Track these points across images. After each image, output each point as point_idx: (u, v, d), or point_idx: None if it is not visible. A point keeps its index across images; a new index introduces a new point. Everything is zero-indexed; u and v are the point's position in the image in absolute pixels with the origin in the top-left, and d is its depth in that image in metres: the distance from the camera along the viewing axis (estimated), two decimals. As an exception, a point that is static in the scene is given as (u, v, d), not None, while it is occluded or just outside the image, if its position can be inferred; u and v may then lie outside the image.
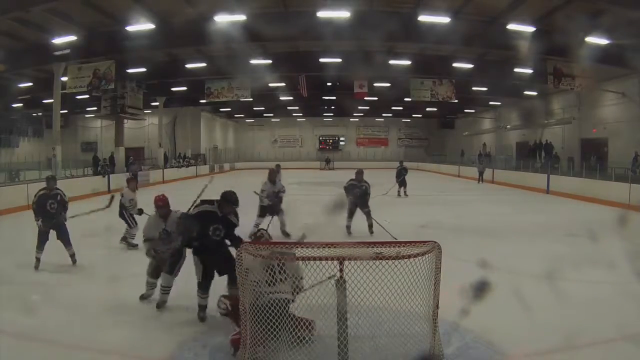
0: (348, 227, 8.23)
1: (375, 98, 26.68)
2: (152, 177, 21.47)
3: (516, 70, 17.65)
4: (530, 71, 17.47)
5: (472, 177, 24.66)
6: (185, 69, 18.96)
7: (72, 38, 14.45)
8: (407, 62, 18.11)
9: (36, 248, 6.03)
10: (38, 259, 6.01)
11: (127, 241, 7.48)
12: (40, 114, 27.68)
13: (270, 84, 22.25)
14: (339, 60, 17.63)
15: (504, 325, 4.04)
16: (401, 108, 33.95)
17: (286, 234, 7.77)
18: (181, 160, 28.39)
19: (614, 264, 5.46)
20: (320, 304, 3.24)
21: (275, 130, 44.06)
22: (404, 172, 15.68)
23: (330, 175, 29.34)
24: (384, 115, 39.92)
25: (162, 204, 4.82)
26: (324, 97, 27.88)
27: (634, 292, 4.84)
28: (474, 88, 23.13)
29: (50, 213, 6.04)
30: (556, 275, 5.17)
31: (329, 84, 22.82)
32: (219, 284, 4.34)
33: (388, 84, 22.35)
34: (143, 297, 4.84)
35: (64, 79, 16.91)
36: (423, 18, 13.33)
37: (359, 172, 8.45)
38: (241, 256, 3.22)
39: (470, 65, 18.47)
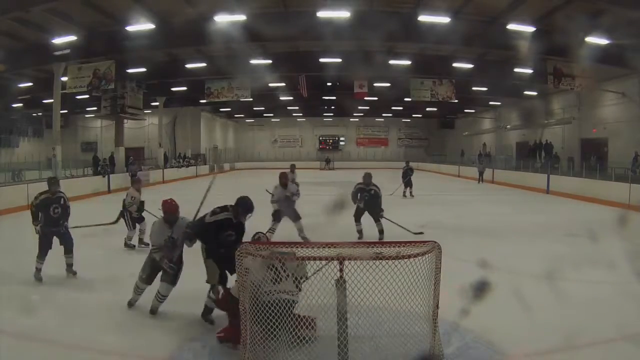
0: (360, 232, 7.91)
1: (375, 98, 26.67)
2: (152, 177, 21.48)
3: (516, 70, 17.65)
4: (530, 71, 17.48)
5: (472, 177, 24.66)
6: (185, 69, 18.96)
7: (72, 38, 14.46)
8: (407, 62, 18.10)
9: (37, 257, 5.47)
10: (39, 270, 5.47)
11: (125, 242, 7.43)
12: (40, 114, 27.69)
13: (270, 84, 22.25)
14: (339, 60, 17.63)
15: (504, 325, 4.04)
16: (401, 108, 33.95)
17: (306, 240, 7.17)
18: (181, 160, 28.38)
19: (614, 264, 5.46)
20: (320, 304, 3.24)
21: (275, 130, 44.07)
22: (410, 172, 15.56)
23: (330, 175, 29.36)
24: (384, 115, 39.92)
25: (171, 210, 4.57)
26: (324, 97, 27.88)
27: (634, 292, 4.84)
28: (474, 88, 23.13)
29: (53, 219, 5.55)
30: (556, 275, 5.17)
31: (329, 84, 22.81)
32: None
33: (388, 84, 22.35)
34: (131, 304, 4.64)
35: (64, 79, 16.91)
36: (423, 18, 13.33)
37: (367, 176, 7.97)
38: (241, 257, 3.22)
39: (470, 65, 18.47)
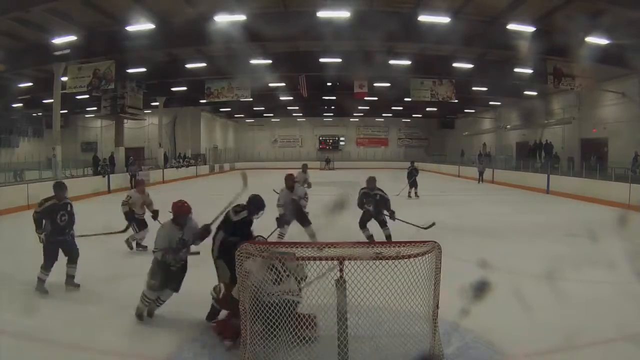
0: (370, 237, 7.47)
1: (375, 98, 26.66)
2: (152, 177, 21.49)
3: (516, 70, 17.65)
4: (530, 71, 17.47)
5: (472, 177, 24.66)
6: (185, 69, 18.96)
7: (72, 38, 14.45)
8: (407, 62, 18.10)
9: (41, 268, 5.06)
10: (42, 281, 5.08)
11: (128, 241, 7.32)
12: (40, 114, 27.68)
13: (270, 84, 22.25)
14: (339, 60, 17.63)
15: (504, 325, 4.04)
16: (401, 108, 33.94)
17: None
18: (181, 160, 28.38)
19: (614, 264, 5.47)
20: (320, 304, 3.24)
21: (275, 130, 44.06)
22: (415, 172, 15.44)
23: (331, 175, 29.34)
24: (384, 115, 39.92)
25: (183, 212, 4.38)
26: (324, 97, 27.88)
27: (634, 292, 4.84)
28: (474, 88, 23.13)
29: (60, 227, 5.16)
30: (556, 275, 5.17)
31: (329, 84, 22.81)
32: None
33: (388, 84, 22.34)
34: (141, 316, 4.37)
35: (64, 79, 16.91)
36: (423, 18, 13.33)
37: (371, 180, 7.51)
38: (241, 257, 3.22)
39: (470, 65, 18.47)
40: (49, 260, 5.08)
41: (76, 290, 5.23)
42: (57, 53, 14.99)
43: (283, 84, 22.82)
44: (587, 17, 12.45)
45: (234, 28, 12.89)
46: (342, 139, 43.96)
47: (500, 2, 13.16)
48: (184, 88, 23.30)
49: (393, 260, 3.00)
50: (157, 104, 26.16)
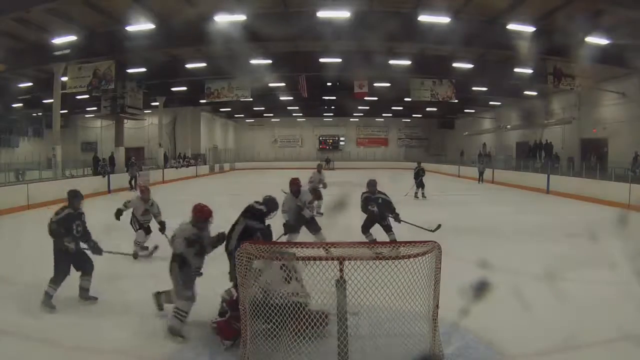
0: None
1: (375, 98, 26.66)
2: (152, 177, 21.50)
3: (516, 70, 17.64)
4: (530, 71, 17.47)
5: (472, 177, 24.65)
6: (185, 69, 18.96)
7: (72, 38, 14.47)
8: (407, 62, 18.10)
9: (50, 282, 4.65)
10: (50, 295, 4.62)
11: (135, 253, 6.81)
12: (40, 114, 27.67)
13: (270, 84, 22.26)
14: (339, 60, 17.64)
15: (504, 325, 4.04)
16: (401, 108, 33.94)
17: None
18: (181, 160, 28.37)
19: (614, 264, 5.47)
20: (320, 304, 3.24)
21: (275, 130, 44.06)
22: (422, 172, 15.31)
23: (331, 175, 29.30)
24: (384, 115, 39.91)
25: (205, 216, 4.25)
26: (324, 97, 27.89)
27: (634, 292, 4.84)
28: (474, 88, 23.13)
29: (75, 238, 4.84)
30: (556, 275, 5.18)
31: (329, 84, 22.82)
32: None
33: (388, 84, 22.35)
34: (182, 336, 3.98)
35: (64, 79, 16.92)
36: (423, 18, 13.33)
37: (371, 183, 7.22)
38: (241, 257, 3.22)
39: (470, 65, 18.47)
40: (61, 275, 4.68)
41: (93, 303, 4.86)
42: (57, 53, 15.00)
43: (283, 84, 22.82)
44: (587, 17, 12.45)
45: (234, 28, 12.90)
46: (342, 139, 43.96)
47: (500, 2, 13.16)
48: (184, 88, 23.31)
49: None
50: (157, 104, 26.15)
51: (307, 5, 13.20)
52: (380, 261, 3.06)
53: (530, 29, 13.58)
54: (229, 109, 34.28)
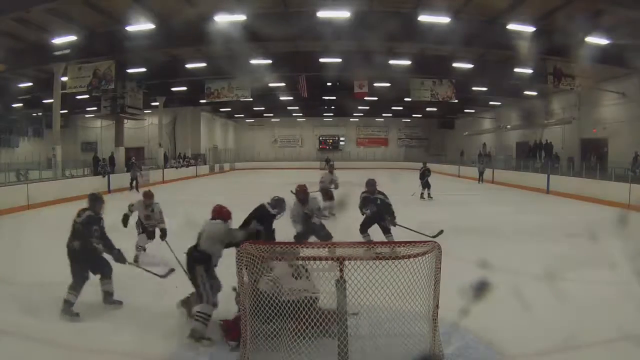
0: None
1: (375, 98, 26.66)
2: (152, 177, 21.51)
3: (516, 70, 17.65)
4: (530, 71, 17.47)
5: (472, 177, 24.65)
6: (185, 69, 18.96)
7: (72, 38, 14.47)
8: (407, 62, 18.10)
9: (69, 288, 4.45)
10: (70, 303, 4.41)
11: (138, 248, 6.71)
12: (40, 114, 27.68)
13: (270, 84, 22.26)
14: (339, 60, 17.64)
15: (504, 325, 4.04)
16: (401, 108, 33.95)
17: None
18: (181, 160, 28.38)
19: (614, 264, 5.46)
20: (320, 304, 3.25)
21: (275, 130, 44.06)
22: (427, 173, 15.18)
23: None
24: (384, 115, 39.91)
25: (224, 217, 4.33)
26: (324, 97, 27.89)
27: (634, 292, 4.84)
28: (474, 88, 23.13)
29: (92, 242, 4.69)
30: (556, 275, 5.18)
31: (329, 84, 22.82)
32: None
33: (388, 84, 22.35)
34: (203, 336, 3.92)
35: (64, 79, 16.92)
36: (423, 18, 13.33)
37: (371, 183, 7.05)
38: (241, 257, 3.22)
39: (470, 65, 18.47)
40: (80, 280, 4.49)
41: (118, 307, 4.71)
42: (57, 53, 15.00)
43: (283, 84, 22.82)
44: (587, 17, 12.45)
45: (234, 28, 12.89)
46: (342, 139, 43.96)
47: (500, 2, 13.16)
48: (184, 88, 23.31)
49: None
50: (157, 104, 26.16)
51: (307, 5, 13.20)
52: (380, 261, 3.06)
53: (530, 29, 13.57)
54: (229, 109, 34.28)
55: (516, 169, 22.45)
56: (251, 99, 22.56)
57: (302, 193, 6.43)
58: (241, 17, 12.75)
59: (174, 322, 4.33)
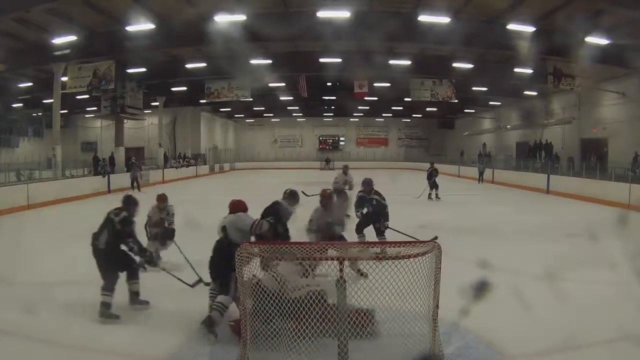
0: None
1: (375, 98, 26.68)
2: (152, 177, 21.52)
3: (516, 70, 17.65)
4: (530, 71, 17.47)
5: (472, 177, 24.66)
6: (185, 69, 18.97)
7: (72, 38, 14.47)
8: (407, 62, 18.10)
9: (102, 289, 4.37)
10: (107, 304, 4.34)
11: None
12: (40, 114, 27.67)
13: (270, 84, 22.26)
14: (339, 60, 17.64)
15: (504, 325, 4.04)
16: (401, 108, 33.97)
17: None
18: (181, 160, 28.38)
19: (614, 264, 5.46)
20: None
21: (275, 130, 44.08)
22: (435, 173, 15.08)
23: (331, 175, 29.30)
24: (384, 115, 39.93)
25: (241, 209, 4.43)
26: (324, 97, 27.90)
27: (634, 292, 4.84)
28: (474, 88, 23.14)
29: (123, 242, 4.61)
30: (556, 275, 5.18)
31: (329, 84, 22.82)
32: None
33: (388, 84, 22.35)
34: (215, 333, 3.95)
35: (64, 79, 16.92)
36: (423, 18, 13.33)
37: (367, 183, 6.76)
38: (241, 257, 3.22)
39: (470, 65, 18.47)
40: (112, 279, 4.42)
41: (146, 307, 4.65)
42: (57, 53, 15.01)
43: (283, 84, 22.83)
44: (587, 17, 12.45)
45: (234, 28, 12.89)
46: (342, 139, 43.97)
47: (500, 2, 13.16)
48: (184, 88, 23.32)
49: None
50: (157, 104, 26.16)
51: (307, 5, 13.20)
52: (380, 261, 3.06)
53: (530, 29, 13.58)
54: (229, 109, 34.29)
55: (516, 169, 22.45)
56: (251, 99, 22.57)
57: (327, 199, 5.68)
58: (241, 17, 12.75)
59: (173, 322, 4.33)
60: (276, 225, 4.52)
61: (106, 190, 17.22)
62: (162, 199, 6.38)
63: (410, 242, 3.24)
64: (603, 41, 13.72)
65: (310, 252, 3.20)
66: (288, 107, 33.46)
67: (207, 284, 4.55)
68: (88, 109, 27.28)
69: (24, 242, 7.65)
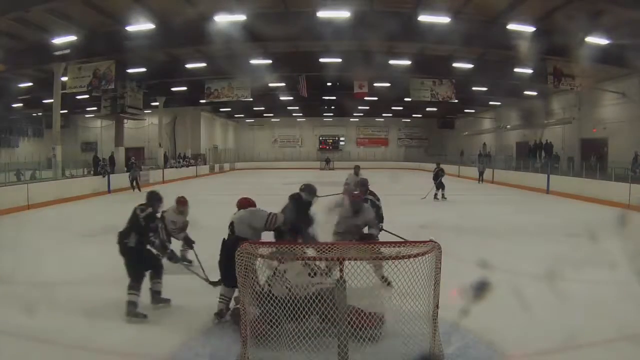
0: None
1: (375, 98, 26.67)
2: (152, 177, 21.52)
3: (516, 70, 17.63)
4: (530, 71, 17.46)
5: (472, 177, 24.66)
6: (185, 69, 18.95)
7: (72, 38, 14.46)
8: (407, 62, 18.09)
9: (129, 288, 4.38)
10: (134, 303, 4.34)
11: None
12: (40, 114, 27.70)
13: (270, 84, 22.26)
14: (339, 60, 17.64)
15: (504, 325, 4.04)
16: (401, 108, 33.96)
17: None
18: (181, 160, 28.38)
19: (614, 264, 5.46)
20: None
21: (275, 130, 44.08)
22: (441, 173, 15.12)
23: (331, 175, 29.29)
24: (384, 115, 39.93)
25: (255, 206, 4.57)
26: (324, 97, 27.89)
27: (634, 292, 4.83)
28: (474, 88, 23.12)
29: (148, 240, 4.62)
30: (556, 275, 5.17)
31: (329, 84, 22.81)
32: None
33: (388, 84, 22.35)
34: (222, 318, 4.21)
35: (64, 79, 16.91)
36: (423, 18, 13.32)
37: (362, 183, 6.61)
38: (241, 257, 3.22)
39: (470, 65, 18.46)
40: (139, 278, 4.43)
41: (167, 305, 4.66)
42: (57, 53, 14.99)
43: (283, 84, 22.82)
44: (587, 17, 12.45)
45: (234, 28, 12.89)
46: (342, 139, 43.98)
47: (500, 2, 13.16)
48: (184, 88, 23.30)
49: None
50: (157, 104, 26.16)
51: (307, 5, 13.19)
52: (380, 261, 3.05)
53: (530, 29, 13.57)
54: (229, 109, 34.29)
55: (516, 169, 22.46)
56: (251, 99, 22.53)
57: (357, 203, 5.37)
58: (241, 17, 12.74)
59: (173, 322, 4.33)
60: (294, 219, 4.56)
61: (106, 191, 17.22)
62: (182, 202, 6.09)
63: (410, 242, 3.24)
64: (603, 41, 13.71)
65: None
66: (288, 107, 33.46)
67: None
68: (88, 109, 27.29)
69: (24, 242, 7.65)
